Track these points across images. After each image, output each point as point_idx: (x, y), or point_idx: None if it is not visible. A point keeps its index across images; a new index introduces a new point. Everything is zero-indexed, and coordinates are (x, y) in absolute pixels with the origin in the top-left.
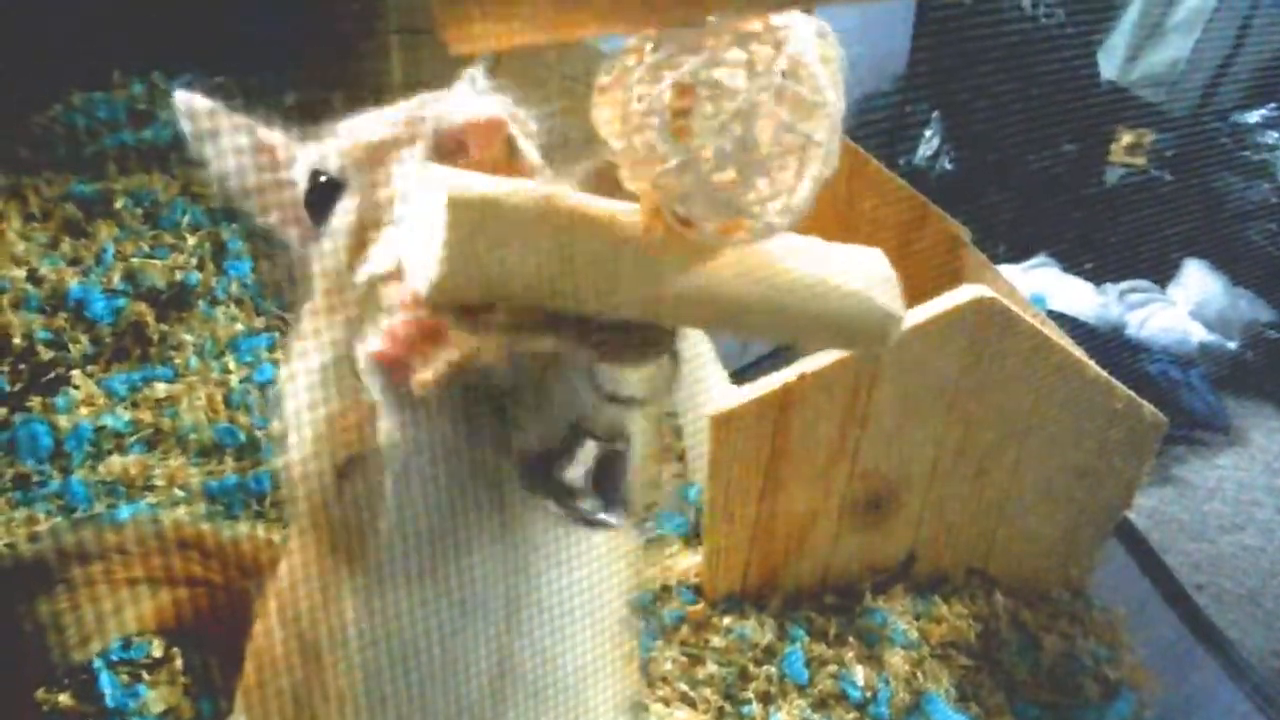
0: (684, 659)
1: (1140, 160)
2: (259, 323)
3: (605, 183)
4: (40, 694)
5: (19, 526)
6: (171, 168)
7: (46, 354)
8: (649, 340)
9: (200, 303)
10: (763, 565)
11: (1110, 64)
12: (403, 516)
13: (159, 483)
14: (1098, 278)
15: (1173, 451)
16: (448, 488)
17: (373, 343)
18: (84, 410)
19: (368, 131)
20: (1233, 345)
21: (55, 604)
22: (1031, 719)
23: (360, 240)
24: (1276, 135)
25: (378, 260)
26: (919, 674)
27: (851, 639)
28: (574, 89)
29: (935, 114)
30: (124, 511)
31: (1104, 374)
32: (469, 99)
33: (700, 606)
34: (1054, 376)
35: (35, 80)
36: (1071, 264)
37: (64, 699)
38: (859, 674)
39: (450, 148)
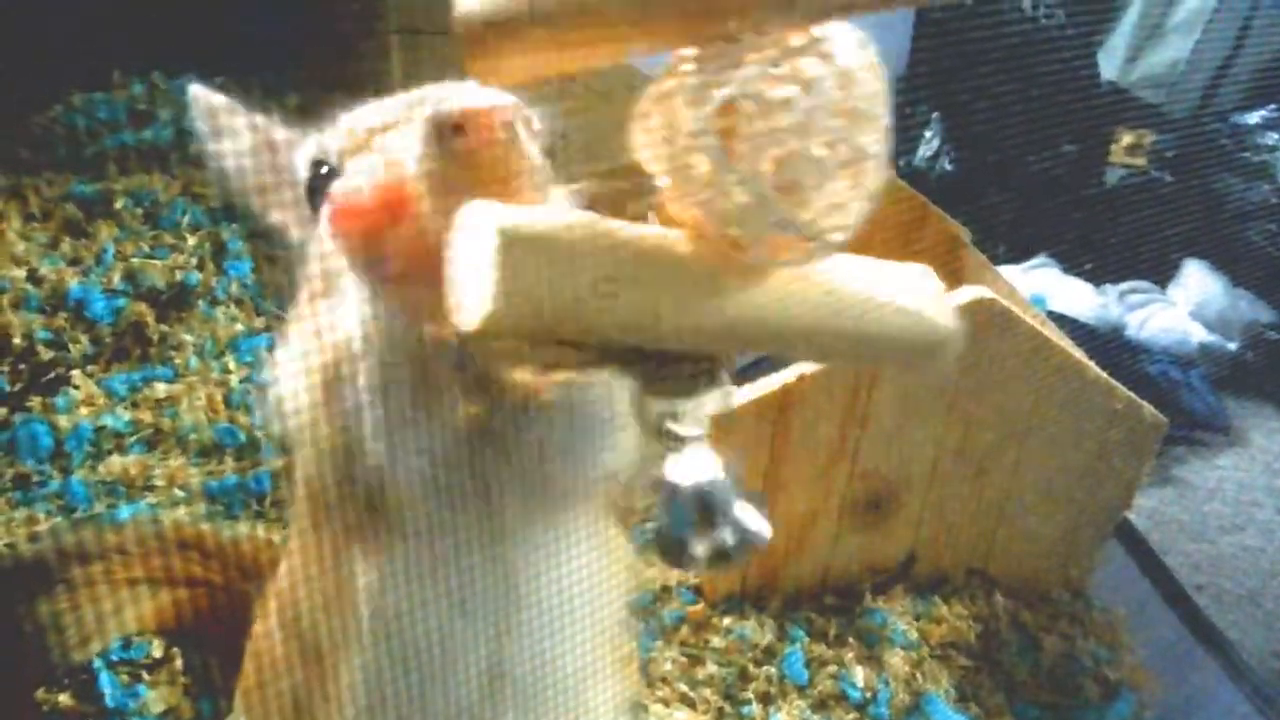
0: (684, 659)
1: (1140, 161)
2: (259, 323)
3: (635, 207)
4: (40, 694)
5: (19, 526)
6: (172, 168)
7: (46, 354)
8: (699, 370)
9: (200, 303)
10: (762, 565)
11: (1110, 65)
12: (409, 495)
13: (159, 483)
14: (1098, 278)
15: (1173, 452)
16: (444, 464)
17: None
18: (84, 410)
19: (367, 119)
20: (1233, 346)
21: (55, 604)
22: (1031, 719)
23: None
24: (1276, 136)
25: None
26: (919, 674)
27: (851, 639)
28: (573, 89)
29: (935, 115)
30: (124, 511)
31: (1104, 375)
32: (475, 90)
33: (700, 607)
34: (1054, 377)
35: (35, 80)
36: (1071, 265)
37: (64, 699)
38: (859, 674)
39: (447, 133)
